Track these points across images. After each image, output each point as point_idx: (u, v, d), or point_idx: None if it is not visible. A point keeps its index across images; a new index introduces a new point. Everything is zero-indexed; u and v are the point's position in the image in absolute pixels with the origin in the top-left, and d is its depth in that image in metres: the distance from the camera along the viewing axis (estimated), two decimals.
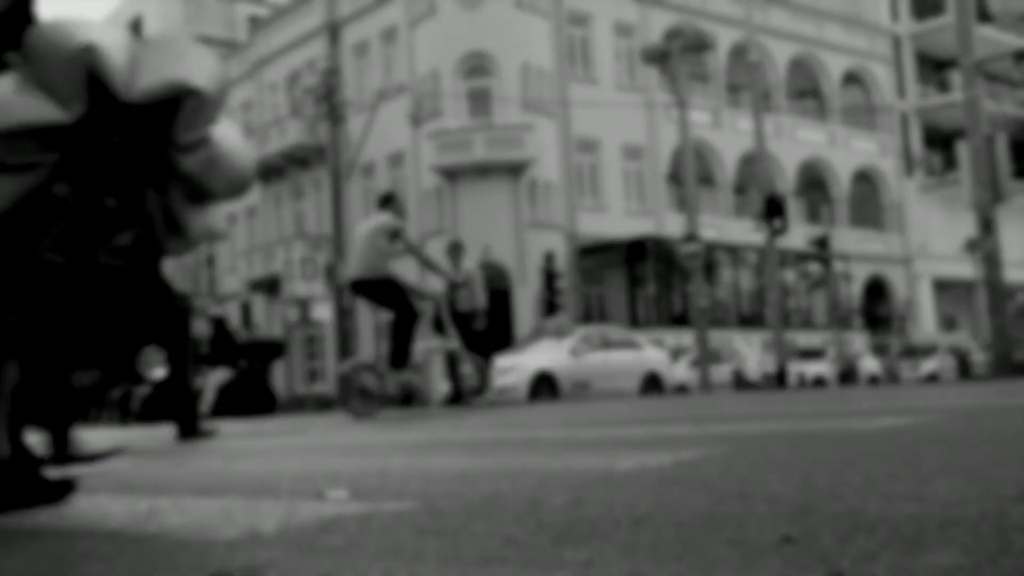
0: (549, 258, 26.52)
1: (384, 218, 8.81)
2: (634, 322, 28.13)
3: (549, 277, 26.27)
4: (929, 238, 37.18)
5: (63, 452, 3.90)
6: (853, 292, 34.14)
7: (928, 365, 26.59)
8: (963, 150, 15.96)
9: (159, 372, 10.15)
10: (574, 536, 1.50)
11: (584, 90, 29.44)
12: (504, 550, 1.43)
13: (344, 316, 26.50)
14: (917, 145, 38.48)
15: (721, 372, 21.61)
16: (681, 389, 19.46)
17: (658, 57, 22.74)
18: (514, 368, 15.71)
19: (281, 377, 33.37)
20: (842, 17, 37.16)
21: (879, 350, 29.76)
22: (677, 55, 21.77)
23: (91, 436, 5.57)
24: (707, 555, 1.28)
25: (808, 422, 4.06)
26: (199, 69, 2.28)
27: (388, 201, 9.11)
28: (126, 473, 3.78)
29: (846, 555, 1.22)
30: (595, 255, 28.69)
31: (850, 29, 37.29)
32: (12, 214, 2.32)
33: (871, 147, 37.19)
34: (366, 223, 9.10)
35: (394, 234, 8.65)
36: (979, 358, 25.34)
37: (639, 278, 28.68)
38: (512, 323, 26.66)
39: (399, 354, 8.59)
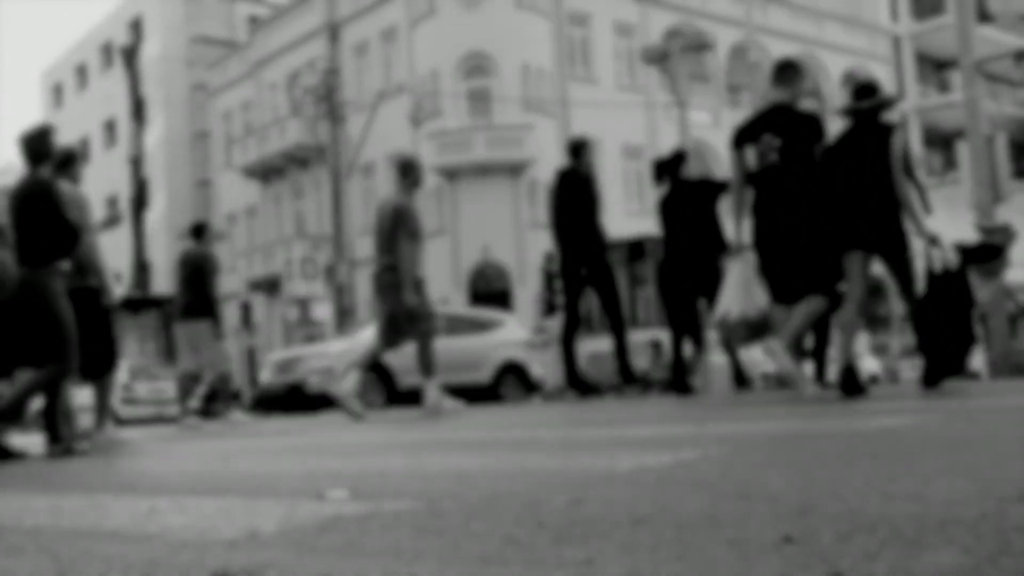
0: (549, 258, 26.44)
1: None
2: (634, 322, 28.13)
3: (549, 277, 26.21)
4: None
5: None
6: None
7: None
8: (963, 150, 15.96)
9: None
10: (574, 536, 1.50)
11: (584, 90, 29.44)
12: (504, 550, 1.43)
13: (344, 316, 26.49)
14: (917, 145, 38.46)
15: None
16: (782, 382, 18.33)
17: (658, 57, 22.73)
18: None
19: None
20: (842, 17, 37.16)
21: (879, 350, 29.71)
22: (677, 55, 21.77)
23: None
24: (707, 555, 1.28)
25: (808, 422, 4.06)
26: None
27: None
28: (125, 473, 3.78)
29: (846, 555, 1.22)
30: None
31: (850, 29, 37.29)
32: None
33: None
34: None
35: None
36: (979, 359, 25.28)
37: (639, 278, 28.64)
38: None
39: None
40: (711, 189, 8.01)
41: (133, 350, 23.72)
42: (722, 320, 6.25)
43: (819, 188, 5.79)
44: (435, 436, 5.01)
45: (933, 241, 5.98)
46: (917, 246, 5.96)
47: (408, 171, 7.75)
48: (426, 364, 7.46)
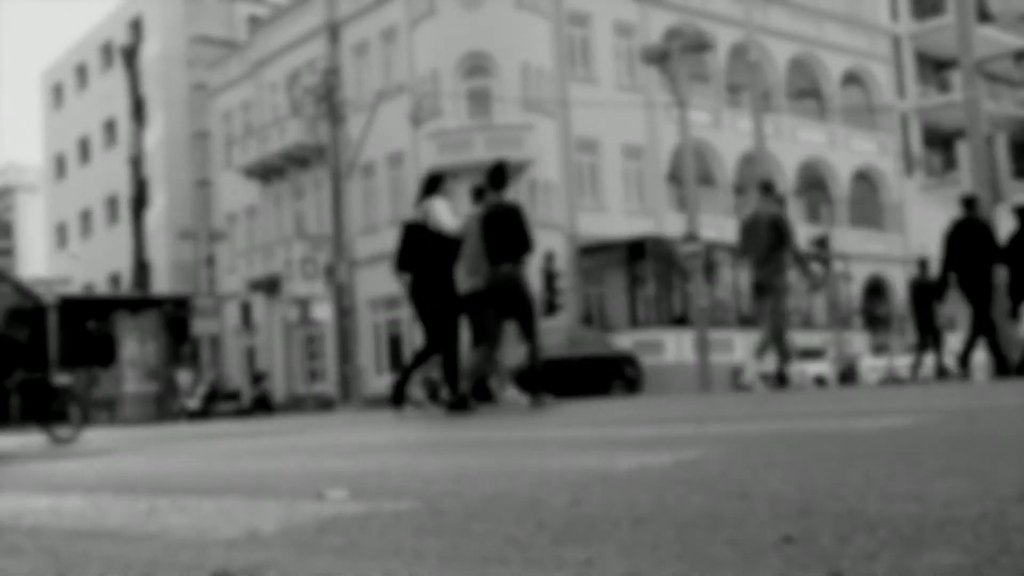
0: (549, 258, 26.52)
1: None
2: (634, 322, 28.14)
3: (549, 277, 26.26)
4: (929, 238, 37.16)
5: None
6: (853, 292, 34.12)
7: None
8: (963, 150, 15.96)
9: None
10: (574, 536, 1.50)
11: (584, 90, 29.43)
12: (504, 550, 1.43)
13: (344, 316, 26.49)
14: (917, 145, 38.47)
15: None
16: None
17: (658, 57, 22.73)
18: None
19: (281, 377, 33.36)
20: (842, 17, 37.16)
21: (879, 350, 29.72)
22: (677, 55, 21.77)
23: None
24: (707, 555, 1.28)
25: (808, 422, 4.06)
26: None
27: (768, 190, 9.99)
28: (125, 473, 3.78)
29: (846, 555, 1.22)
30: (595, 255, 28.67)
31: (850, 29, 37.29)
32: None
33: (871, 147, 37.19)
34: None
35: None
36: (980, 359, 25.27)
37: (639, 278, 28.68)
38: None
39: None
40: (991, 234, 10.65)
41: (133, 350, 23.71)
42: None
43: None
44: (435, 436, 5.01)
45: None
46: None
47: (768, 189, 9.67)
48: (763, 345, 9.30)
